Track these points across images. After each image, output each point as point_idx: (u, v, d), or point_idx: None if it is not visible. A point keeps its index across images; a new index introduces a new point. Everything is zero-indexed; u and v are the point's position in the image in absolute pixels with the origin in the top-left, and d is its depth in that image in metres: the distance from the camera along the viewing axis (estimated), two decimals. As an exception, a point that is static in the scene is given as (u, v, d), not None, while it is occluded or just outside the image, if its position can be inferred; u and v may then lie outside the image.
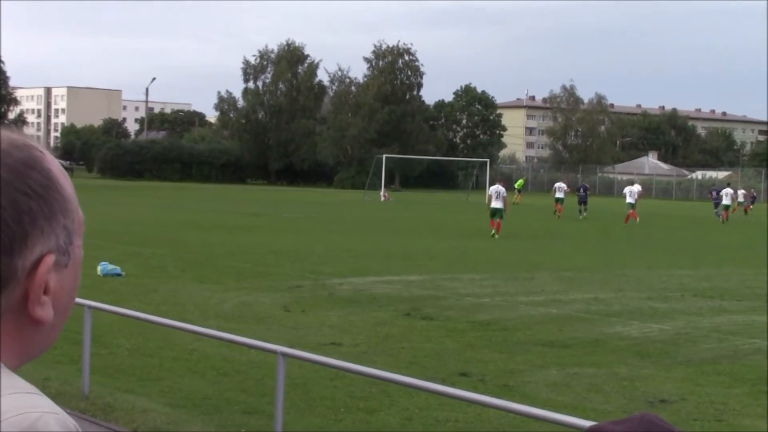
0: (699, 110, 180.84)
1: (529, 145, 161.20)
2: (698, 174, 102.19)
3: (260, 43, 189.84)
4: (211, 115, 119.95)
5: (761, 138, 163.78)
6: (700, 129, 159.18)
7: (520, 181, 71.85)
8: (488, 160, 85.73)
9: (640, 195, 48.41)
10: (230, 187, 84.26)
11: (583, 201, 50.96)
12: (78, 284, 1.30)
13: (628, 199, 46.93)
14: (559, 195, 51.55)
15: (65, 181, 1.25)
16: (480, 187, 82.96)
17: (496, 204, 34.80)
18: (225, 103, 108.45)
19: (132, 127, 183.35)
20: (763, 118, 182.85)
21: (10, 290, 1.21)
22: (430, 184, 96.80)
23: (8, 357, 1.26)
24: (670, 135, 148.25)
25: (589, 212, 50.79)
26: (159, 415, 9.34)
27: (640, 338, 14.54)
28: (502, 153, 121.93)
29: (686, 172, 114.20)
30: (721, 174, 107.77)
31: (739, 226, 49.21)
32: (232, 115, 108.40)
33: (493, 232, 34.59)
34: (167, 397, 10.07)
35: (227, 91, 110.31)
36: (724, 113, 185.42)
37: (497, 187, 35.63)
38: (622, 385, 11.45)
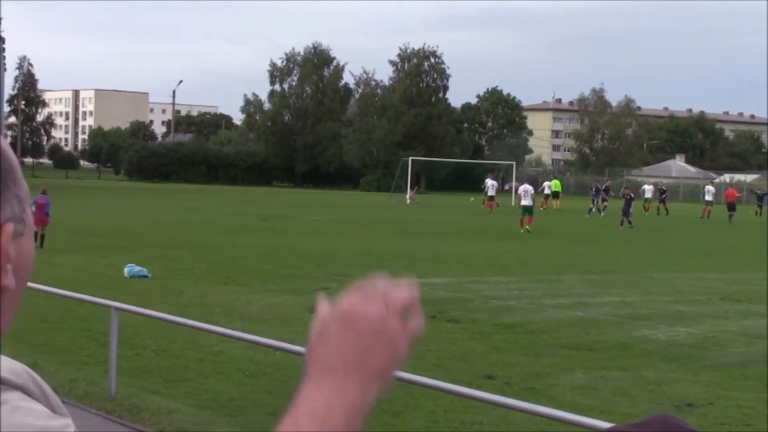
0: (727, 113, 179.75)
1: (555, 148, 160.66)
2: (726, 177, 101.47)
3: (287, 46, 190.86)
4: (238, 118, 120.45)
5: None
6: (728, 132, 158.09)
7: (556, 182, 66.32)
8: (514, 162, 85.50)
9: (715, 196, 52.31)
10: (256, 190, 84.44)
11: (598, 200, 53.75)
12: (33, 252, 1.29)
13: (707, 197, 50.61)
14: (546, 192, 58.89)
15: (10, 152, 1.25)
16: (505, 191, 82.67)
17: (525, 202, 37.38)
18: (251, 105, 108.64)
19: (159, 129, 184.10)
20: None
21: None
22: (456, 186, 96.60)
23: None
24: (698, 138, 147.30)
25: (609, 214, 50.89)
26: (185, 416, 9.37)
27: (667, 342, 14.46)
28: (528, 156, 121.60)
29: (714, 175, 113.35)
30: (750, 177, 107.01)
31: (761, 230, 48.90)
32: (258, 117, 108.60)
33: (527, 227, 36.11)
34: (193, 399, 10.10)
35: (254, 93, 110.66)
36: (752, 116, 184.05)
37: (525, 186, 37.87)
38: (649, 388, 11.39)
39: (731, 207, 52.91)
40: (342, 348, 1.26)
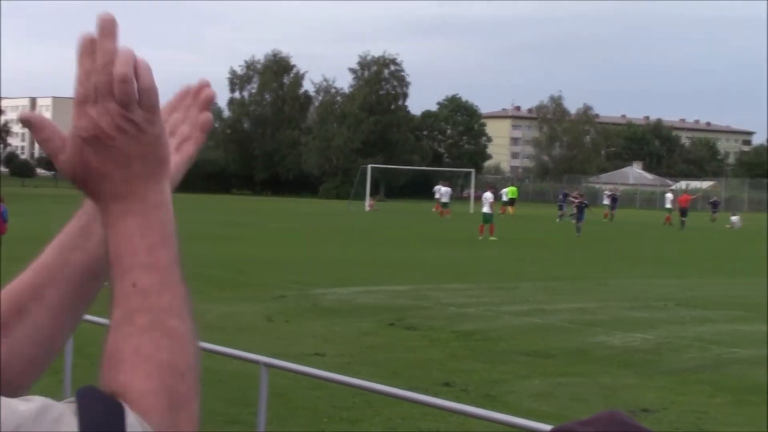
0: (683, 120, 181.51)
1: (514, 155, 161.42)
2: (682, 184, 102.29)
3: (246, 53, 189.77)
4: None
5: (745, 148, 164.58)
6: (684, 139, 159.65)
7: (512, 189, 67.56)
8: (473, 169, 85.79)
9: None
10: (215, 198, 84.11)
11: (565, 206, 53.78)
12: None
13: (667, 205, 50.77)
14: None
15: None
16: (464, 198, 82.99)
17: (483, 209, 38.18)
18: (210, 113, 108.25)
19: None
20: (747, 129, 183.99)
21: None
22: (415, 193, 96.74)
23: None
24: (655, 145, 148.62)
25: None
26: (141, 426, 9.30)
27: (623, 348, 14.57)
28: (488, 163, 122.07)
29: (670, 182, 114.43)
30: (705, 184, 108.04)
31: (723, 236, 49.38)
32: (217, 125, 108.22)
33: (490, 237, 36.72)
34: (149, 408, 10.03)
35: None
36: (708, 123, 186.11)
37: (487, 194, 39.95)
38: (605, 394, 11.47)
39: (683, 213, 53.48)
40: (119, 164, 1.21)
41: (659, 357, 13.92)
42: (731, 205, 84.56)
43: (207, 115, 1.45)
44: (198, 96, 1.46)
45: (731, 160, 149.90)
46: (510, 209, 61.86)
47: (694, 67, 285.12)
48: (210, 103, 1.46)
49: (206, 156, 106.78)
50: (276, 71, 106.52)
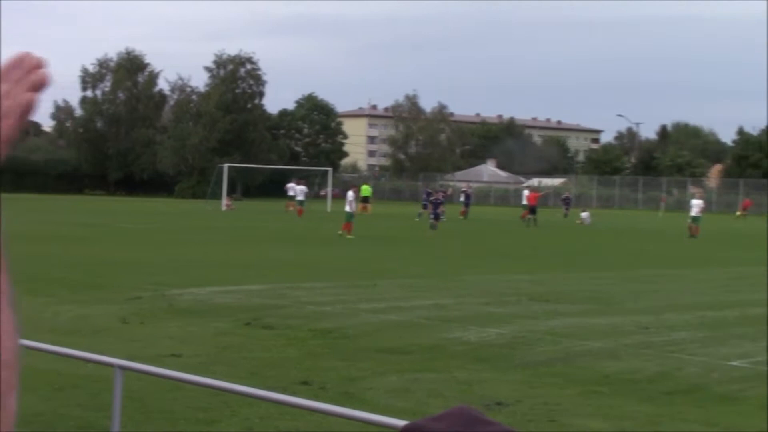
0: (535, 119, 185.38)
1: (371, 153, 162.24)
2: (534, 181, 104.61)
3: (98, 51, 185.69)
4: (47, 125, 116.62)
5: (593, 146, 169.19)
6: (536, 137, 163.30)
7: (365, 187, 68.00)
8: (330, 168, 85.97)
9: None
10: (67, 198, 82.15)
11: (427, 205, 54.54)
12: None
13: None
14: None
15: None
16: (321, 197, 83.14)
17: (347, 208, 38.81)
18: (61, 112, 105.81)
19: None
20: (594, 127, 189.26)
21: None
22: (272, 193, 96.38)
23: None
24: (508, 143, 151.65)
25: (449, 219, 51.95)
26: (-11, 434, 9.04)
27: (478, 343, 14.84)
28: (345, 161, 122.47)
29: (523, 179, 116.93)
30: (557, 181, 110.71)
31: (574, 232, 50.70)
32: (68, 124, 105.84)
33: (347, 235, 37.47)
34: (-2, 415, 9.75)
35: (64, 99, 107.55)
36: (558, 122, 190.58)
37: (350, 193, 41.29)
38: (461, 389, 11.66)
39: (533, 210, 54.56)
40: None
41: (513, 351, 14.22)
42: (581, 202, 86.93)
43: (29, 97, 1.31)
44: (29, 73, 1.32)
45: (581, 157, 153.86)
46: (368, 208, 62.41)
47: (545, 67, 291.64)
48: (40, 87, 1.32)
49: (58, 155, 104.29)
50: (129, 69, 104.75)
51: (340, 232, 38.30)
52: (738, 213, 74.95)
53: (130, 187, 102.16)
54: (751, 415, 10.97)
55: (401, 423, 6.50)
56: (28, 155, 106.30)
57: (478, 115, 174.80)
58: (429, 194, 57.82)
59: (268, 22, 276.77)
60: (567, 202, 67.98)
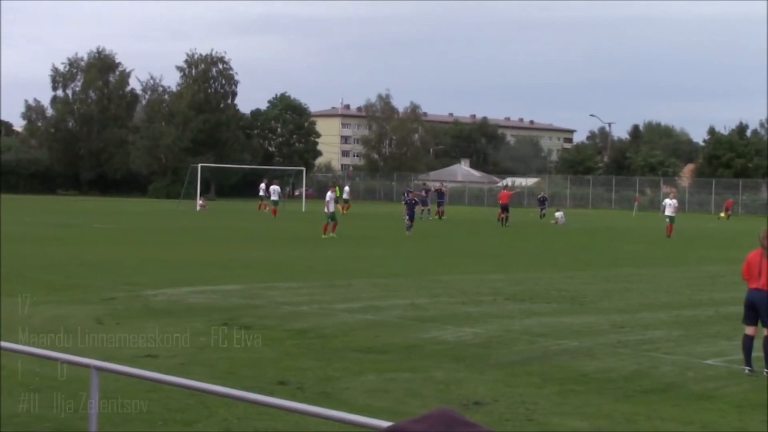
0: (508, 119, 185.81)
1: (345, 153, 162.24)
2: (508, 181, 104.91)
3: (69, 51, 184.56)
4: (18, 125, 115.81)
5: (566, 145, 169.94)
6: (510, 137, 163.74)
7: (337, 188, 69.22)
8: (304, 168, 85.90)
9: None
10: (39, 198, 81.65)
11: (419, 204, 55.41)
12: None
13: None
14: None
15: None
16: (296, 197, 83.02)
17: (327, 209, 38.51)
18: (33, 111, 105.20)
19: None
20: (567, 127, 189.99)
21: None
22: (246, 192, 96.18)
23: None
24: (482, 143, 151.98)
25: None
26: (-35, 436, 8.98)
27: (454, 342, 14.85)
28: (318, 161, 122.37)
29: (497, 179, 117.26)
30: (530, 180, 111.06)
31: (549, 231, 50.86)
32: (40, 124, 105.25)
33: (323, 235, 37.24)
34: (-26, 417, 9.69)
35: (35, 99, 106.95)
36: (531, 122, 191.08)
37: (329, 193, 40.88)
38: (438, 388, 11.67)
39: (505, 208, 54.37)
40: None
41: (489, 351, 14.24)
42: (554, 201, 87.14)
43: None
44: None
45: (554, 157, 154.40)
46: (346, 207, 62.79)
47: (518, 67, 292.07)
48: None
49: (29, 155, 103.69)
50: (101, 69, 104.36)
51: (324, 236, 37.82)
52: (722, 214, 75.06)
53: (104, 187, 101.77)
54: (726, 413, 11.05)
55: (379, 423, 6.51)
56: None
57: (451, 114, 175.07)
58: (408, 194, 58.27)
59: (239, 21, 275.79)
60: (543, 202, 68.14)
